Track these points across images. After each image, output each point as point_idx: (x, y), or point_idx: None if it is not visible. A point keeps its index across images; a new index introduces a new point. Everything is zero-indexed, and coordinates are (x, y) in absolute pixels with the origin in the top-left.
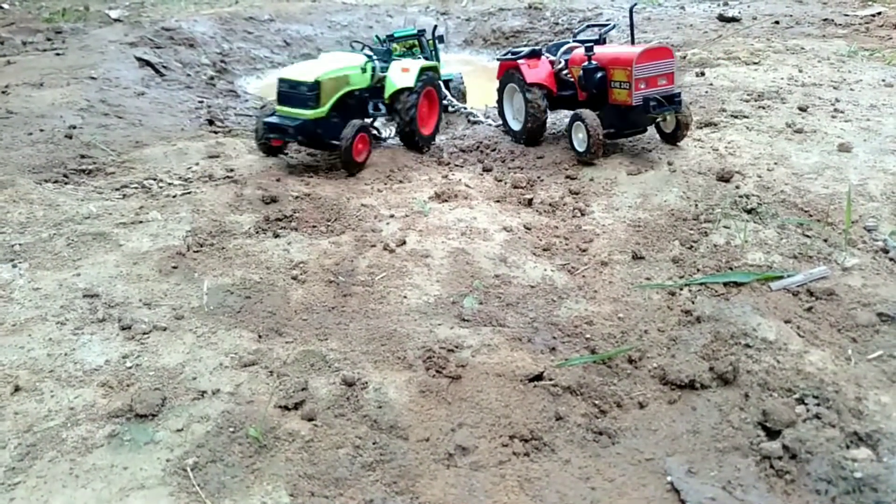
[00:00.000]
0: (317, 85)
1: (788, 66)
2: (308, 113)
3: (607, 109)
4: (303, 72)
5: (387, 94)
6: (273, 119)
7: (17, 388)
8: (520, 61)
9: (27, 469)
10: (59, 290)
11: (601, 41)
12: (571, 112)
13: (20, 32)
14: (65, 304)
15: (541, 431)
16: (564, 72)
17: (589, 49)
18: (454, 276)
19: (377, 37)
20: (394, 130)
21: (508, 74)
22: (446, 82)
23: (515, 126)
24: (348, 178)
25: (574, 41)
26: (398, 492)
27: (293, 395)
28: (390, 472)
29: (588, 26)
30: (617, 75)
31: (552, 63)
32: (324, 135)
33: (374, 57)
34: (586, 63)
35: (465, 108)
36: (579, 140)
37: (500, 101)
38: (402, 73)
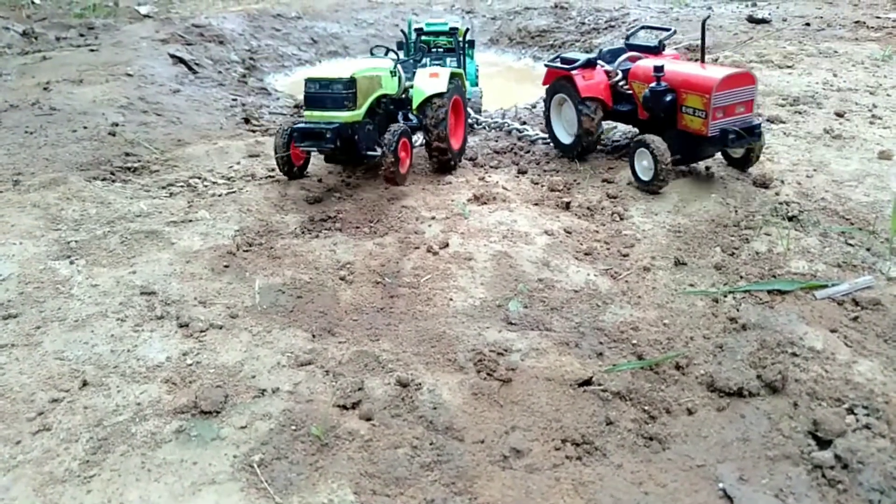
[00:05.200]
0: (352, 83)
1: (823, 70)
2: (344, 115)
3: (675, 135)
4: (335, 70)
5: (415, 102)
6: (304, 125)
7: (85, 383)
8: (573, 72)
9: (101, 462)
10: (116, 287)
11: (659, 49)
12: (632, 132)
13: (53, 28)
14: (123, 300)
15: (592, 436)
16: (622, 84)
17: (659, 70)
18: (498, 279)
19: (404, 31)
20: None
21: (558, 84)
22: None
23: (565, 139)
24: (388, 181)
25: (626, 44)
26: (457, 492)
27: (350, 395)
28: (448, 472)
29: (642, 28)
30: (690, 101)
31: (607, 73)
32: (360, 143)
33: (401, 61)
34: (654, 84)
35: (502, 121)
36: (643, 168)
37: (546, 111)
38: (431, 79)
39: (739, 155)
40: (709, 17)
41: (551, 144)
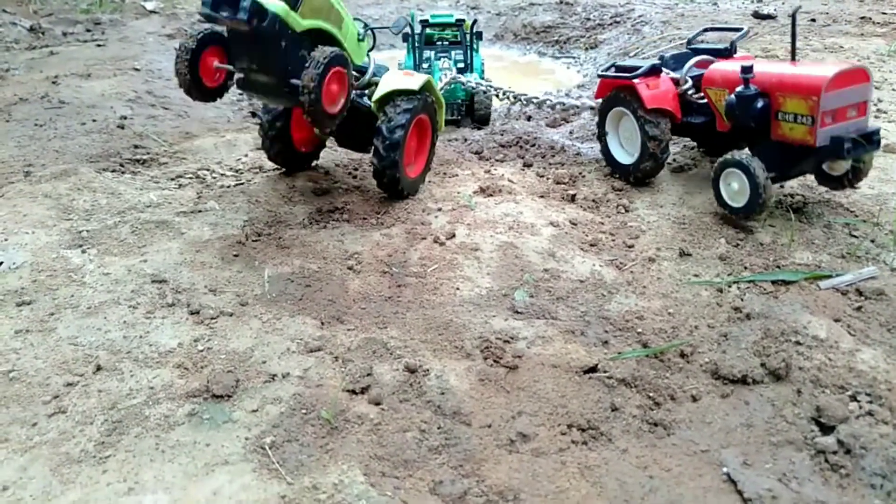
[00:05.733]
0: None
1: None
2: (278, 6)
3: (768, 148)
4: None
5: (377, 94)
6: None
7: (98, 368)
8: (636, 80)
9: (116, 444)
10: (128, 276)
11: (731, 51)
12: (716, 152)
13: (60, 23)
14: (135, 288)
15: (598, 421)
16: (692, 92)
17: (747, 70)
18: (504, 269)
19: (410, 23)
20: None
21: (616, 96)
22: (468, 104)
23: (625, 159)
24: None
25: (690, 48)
26: (464, 474)
27: (359, 380)
28: (456, 455)
29: (707, 30)
30: (790, 105)
31: (675, 81)
32: (286, 62)
33: (373, 28)
34: (742, 88)
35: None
36: (733, 192)
37: (600, 128)
38: (404, 77)
39: (842, 171)
40: (799, 8)
41: (607, 167)
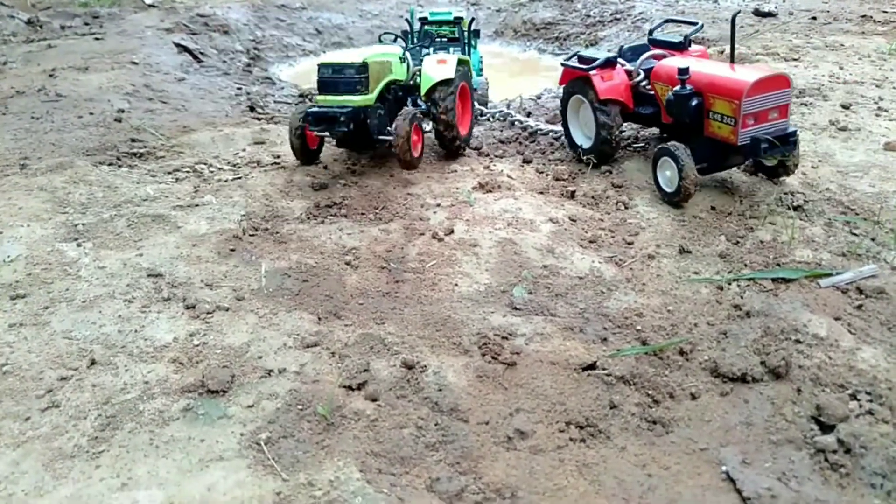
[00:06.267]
0: (365, 67)
1: (829, 63)
2: (357, 99)
3: (701, 142)
4: (348, 55)
5: (423, 88)
6: (318, 109)
7: (93, 362)
8: (592, 72)
9: (109, 439)
10: (123, 270)
11: (685, 45)
12: (655, 139)
13: (58, 17)
14: (130, 282)
15: (596, 419)
16: (644, 84)
17: (683, 72)
18: (503, 265)
19: (408, 20)
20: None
21: (575, 84)
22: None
23: (584, 143)
24: (394, 167)
25: (650, 40)
26: (461, 472)
27: (356, 376)
28: (453, 452)
29: (667, 21)
30: (718, 106)
31: (629, 73)
32: (372, 127)
33: (409, 48)
34: (679, 88)
35: (506, 112)
36: (666, 178)
37: (563, 112)
38: (439, 65)
39: (772, 164)
40: (739, 12)
41: (567, 146)
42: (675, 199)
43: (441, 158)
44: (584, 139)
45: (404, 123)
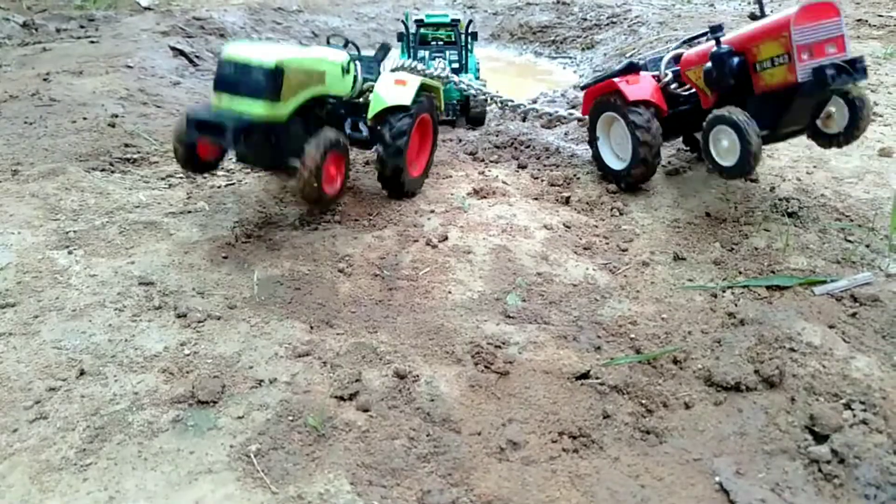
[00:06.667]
0: (279, 72)
1: None
2: (259, 109)
3: (754, 104)
4: (263, 51)
5: (371, 112)
6: (205, 114)
7: (82, 372)
8: (616, 79)
9: (97, 451)
10: (114, 278)
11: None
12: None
13: (53, 19)
14: (121, 291)
15: (589, 429)
16: (674, 85)
17: (716, 29)
18: (496, 272)
19: (405, 22)
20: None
21: (601, 102)
22: (463, 104)
23: (618, 165)
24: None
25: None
26: (453, 483)
27: (348, 386)
28: (445, 464)
29: (685, 42)
30: (766, 51)
31: (655, 78)
32: (277, 147)
33: (359, 59)
34: (715, 48)
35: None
36: (724, 149)
37: (592, 141)
38: (396, 87)
39: (839, 126)
40: None
41: (598, 173)
42: (740, 172)
43: (435, 164)
44: (616, 161)
45: (315, 152)
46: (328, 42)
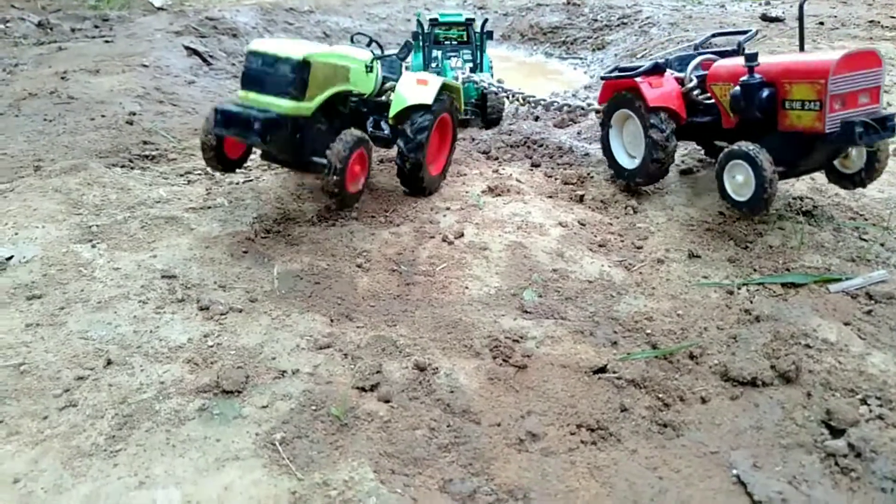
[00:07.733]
0: (305, 66)
1: None
2: (285, 105)
3: (774, 140)
4: (289, 46)
5: (392, 110)
6: (231, 107)
7: (109, 362)
8: (638, 79)
9: (126, 438)
10: (138, 271)
11: (739, 53)
12: (718, 145)
13: (68, 19)
14: (145, 283)
15: (607, 422)
16: (697, 92)
17: (751, 58)
18: (513, 268)
19: (419, 20)
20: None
21: (619, 98)
22: (481, 104)
23: (629, 163)
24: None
25: (697, 53)
26: (474, 473)
27: (369, 378)
28: (465, 453)
29: (714, 35)
30: (797, 92)
31: (679, 81)
32: (302, 144)
33: (382, 57)
34: (746, 77)
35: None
36: (737, 185)
37: (604, 132)
38: (418, 86)
39: (856, 167)
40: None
41: (611, 171)
42: (752, 208)
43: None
44: (628, 160)
45: (343, 148)
46: (352, 41)
